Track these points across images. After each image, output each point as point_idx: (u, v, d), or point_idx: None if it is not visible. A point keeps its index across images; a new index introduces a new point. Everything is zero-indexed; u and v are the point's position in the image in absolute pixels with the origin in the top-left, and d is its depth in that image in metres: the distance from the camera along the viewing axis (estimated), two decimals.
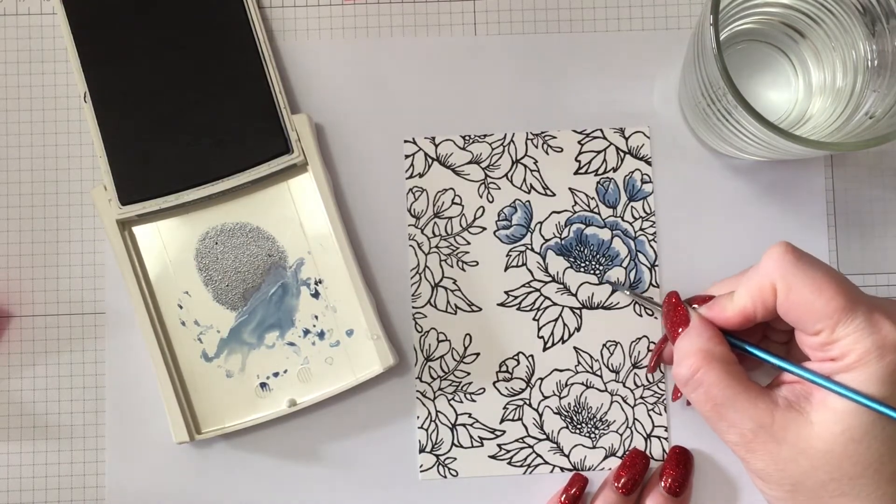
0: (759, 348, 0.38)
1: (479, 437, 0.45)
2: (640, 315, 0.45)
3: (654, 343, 0.45)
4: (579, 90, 0.46)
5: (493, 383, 0.45)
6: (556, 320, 0.45)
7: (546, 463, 0.45)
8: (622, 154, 0.46)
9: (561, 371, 0.45)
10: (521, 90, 0.46)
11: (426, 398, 0.45)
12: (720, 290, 0.39)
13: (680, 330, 0.38)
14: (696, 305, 0.39)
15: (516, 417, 0.45)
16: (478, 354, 0.45)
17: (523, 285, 0.46)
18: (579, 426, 0.45)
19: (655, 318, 0.45)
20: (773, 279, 0.35)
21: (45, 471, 0.45)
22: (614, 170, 0.46)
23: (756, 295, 0.35)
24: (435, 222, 0.46)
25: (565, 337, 0.45)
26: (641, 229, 0.46)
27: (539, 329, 0.45)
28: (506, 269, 0.46)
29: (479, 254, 0.46)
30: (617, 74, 0.46)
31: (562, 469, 0.45)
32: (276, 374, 0.44)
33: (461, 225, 0.46)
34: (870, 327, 0.33)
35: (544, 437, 0.45)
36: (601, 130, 0.46)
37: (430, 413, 0.45)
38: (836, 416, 0.33)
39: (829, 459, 0.33)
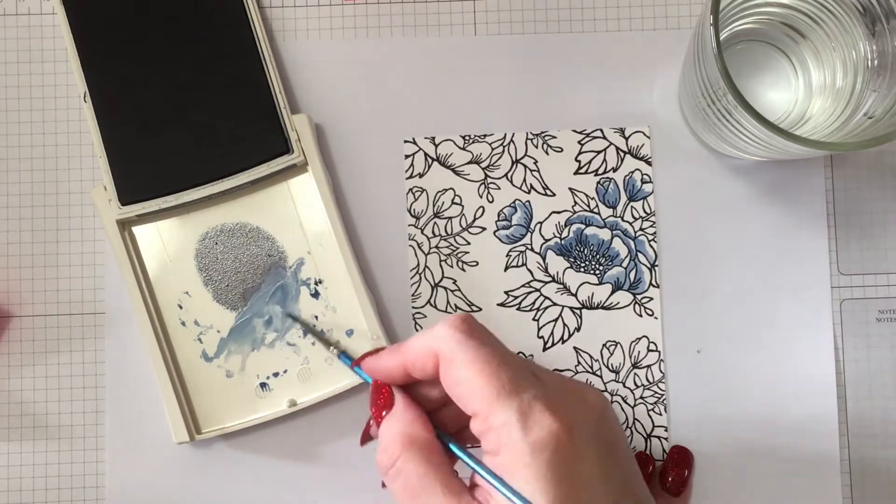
0: (454, 441, 0.34)
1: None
2: (640, 315, 0.45)
3: (655, 343, 0.45)
4: (579, 90, 0.46)
5: None
6: (555, 320, 0.45)
7: None
8: (622, 154, 0.46)
9: (561, 371, 0.45)
10: (521, 90, 0.46)
11: None
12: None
13: (384, 413, 0.34)
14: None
15: None
16: None
17: (523, 285, 0.46)
18: None
19: (655, 318, 0.45)
20: (438, 349, 0.32)
21: (45, 471, 0.45)
22: (614, 170, 0.46)
23: (419, 356, 0.32)
24: (435, 222, 0.46)
25: (565, 337, 0.45)
26: (641, 229, 0.46)
27: (539, 329, 0.45)
28: (506, 269, 0.46)
29: (479, 254, 0.46)
30: (617, 74, 0.46)
31: None
32: (276, 374, 0.44)
33: (461, 225, 0.46)
34: (522, 420, 0.29)
35: None
36: (601, 130, 0.46)
37: None
38: None
39: None
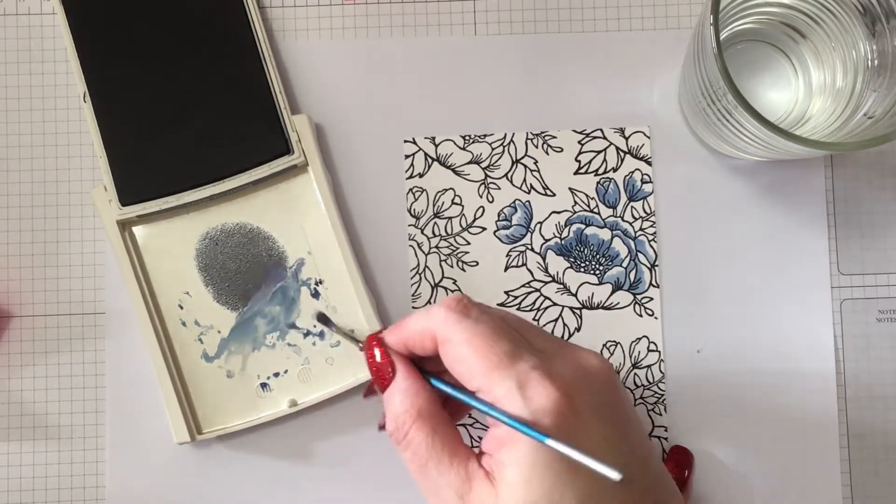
0: (449, 384, 0.34)
1: (479, 437, 0.45)
2: (640, 315, 0.45)
3: (655, 343, 0.45)
4: (579, 90, 0.46)
5: None
6: (556, 320, 0.45)
7: None
8: (622, 154, 0.46)
9: None
10: (521, 90, 0.46)
11: None
12: None
13: (385, 382, 0.35)
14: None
15: None
16: None
17: (523, 285, 0.46)
18: None
19: (655, 318, 0.45)
20: (434, 329, 0.33)
21: (45, 471, 0.45)
22: (614, 170, 0.46)
23: (416, 334, 0.33)
24: (435, 222, 0.46)
25: (565, 337, 0.45)
26: (641, 229, 0.46)
27: None
28: (506, 269, 0.46)
29: (479, 254, 0.46)
30: (617, 74, 0.46)
31: None
32: (276, 375, 0.44)
33: (461, 225, 0.46)
34: (521, 390, 0.30)
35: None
36: (601, 130, 0.46)
37: None
38: (512, 490, 0.30)
39: None
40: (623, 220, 0.46)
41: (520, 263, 0.46)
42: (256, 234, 0.45)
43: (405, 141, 0.46)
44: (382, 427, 0.36)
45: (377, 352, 0.35)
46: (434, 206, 0.46)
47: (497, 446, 0.31)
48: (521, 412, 0.30)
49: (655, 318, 0.45)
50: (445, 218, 0.46)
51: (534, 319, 0.45)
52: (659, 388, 0.45)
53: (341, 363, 0.44)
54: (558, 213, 0.46)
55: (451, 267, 0.46)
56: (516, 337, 0.32)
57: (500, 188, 0.46)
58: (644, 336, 0.45)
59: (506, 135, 0.46)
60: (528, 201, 0.46)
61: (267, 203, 0.45)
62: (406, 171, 0.46)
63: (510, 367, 0.31)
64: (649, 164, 0.46)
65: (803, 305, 0.45)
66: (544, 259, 0.46)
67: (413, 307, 0.45)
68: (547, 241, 0.46)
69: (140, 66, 0.44)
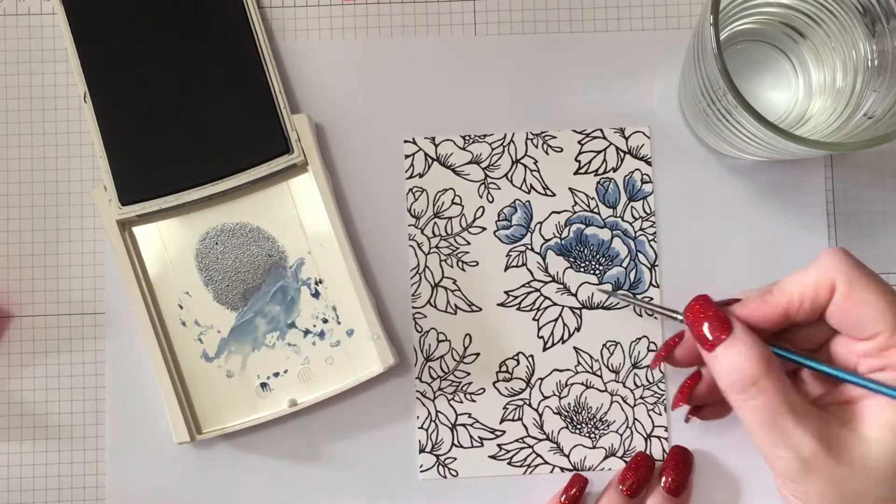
0: (809, 357, 0.35)
1: (479, 437, 0.45)
2: (640, 315, 0.45)
3: (655, 343, 0.45)
4: (579, 90, 0.46)
5: (493, 383, 0.45)
6: (556, 320, 0.45)
7: (546, 463, 0.45)
8: (622, 154, 0.46)
9: (561, 371, 0.45)
10: (521, 90, 0.46)
11: (426, 398, 0.45)
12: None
13: (723, 336, 0.34)
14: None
15: (516, 417, 0.45)
16: (478, 354, 0.45)
17: (523, 285, 0.46)
18: (579, 426, 0.45)
19: (655, 318, 0.45)
20: (834, 276, 0.33)
21: (45, 471, 0.45)
22: (614, 170, 0.46)
23: (808, 291, 0.33)
24: (435, 222, 0.46)
25: (565, 337, 0.45)
26: (641, 229, 0.46)
27: (539, 329, 0.45)
28: (506, 269, 0.46)
29: (479, 254, 0.46)
30: (617, 74, 0.46)
31: (562, 469, 0.45)
32: (276, 375, 0.44)
33: (461, 225, 0.46)
34: None
35: (544, 437, 0.45)
36: (601, 130, 0.46)
37: (430, 413, 0.45)
38: (893, 431, 0.32)
39: (885, 477, 0.32)
40: (623, 220, 0.46)
41: (520, 263, 0.46)
42: (256, 233, 0.45)
43: (405, 141, 0.46)
44: (655, 365, 0.38)
45: (708, 304, 0.35)
46: (434, 206, 0.46)
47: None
48: None
49: (655, 318, 0.45)
50: (445, 218, 0.46)
51: (533, 319, 0.45)
52: (659, 388, 0.45)
53: (341, 363, 0.44)
54: (558, 213, 0.46)
55: (451, 267, 0.46)
56: None
57: (500, 188, 0.46)
58: (644, 336, 0.45)
59: (506, 135, 0.46)
60: (528, 201, 0.46)
61: (267, 203, 0.45)
62: (406, 171, 0.46)
63: None
64: (649, 164, 0.46)
65: None
66: (544, 259, 0.46)
67: (413, 307, 0.45)
68: (547, 241, 0.46)
69: (140, 66, 0.44)
